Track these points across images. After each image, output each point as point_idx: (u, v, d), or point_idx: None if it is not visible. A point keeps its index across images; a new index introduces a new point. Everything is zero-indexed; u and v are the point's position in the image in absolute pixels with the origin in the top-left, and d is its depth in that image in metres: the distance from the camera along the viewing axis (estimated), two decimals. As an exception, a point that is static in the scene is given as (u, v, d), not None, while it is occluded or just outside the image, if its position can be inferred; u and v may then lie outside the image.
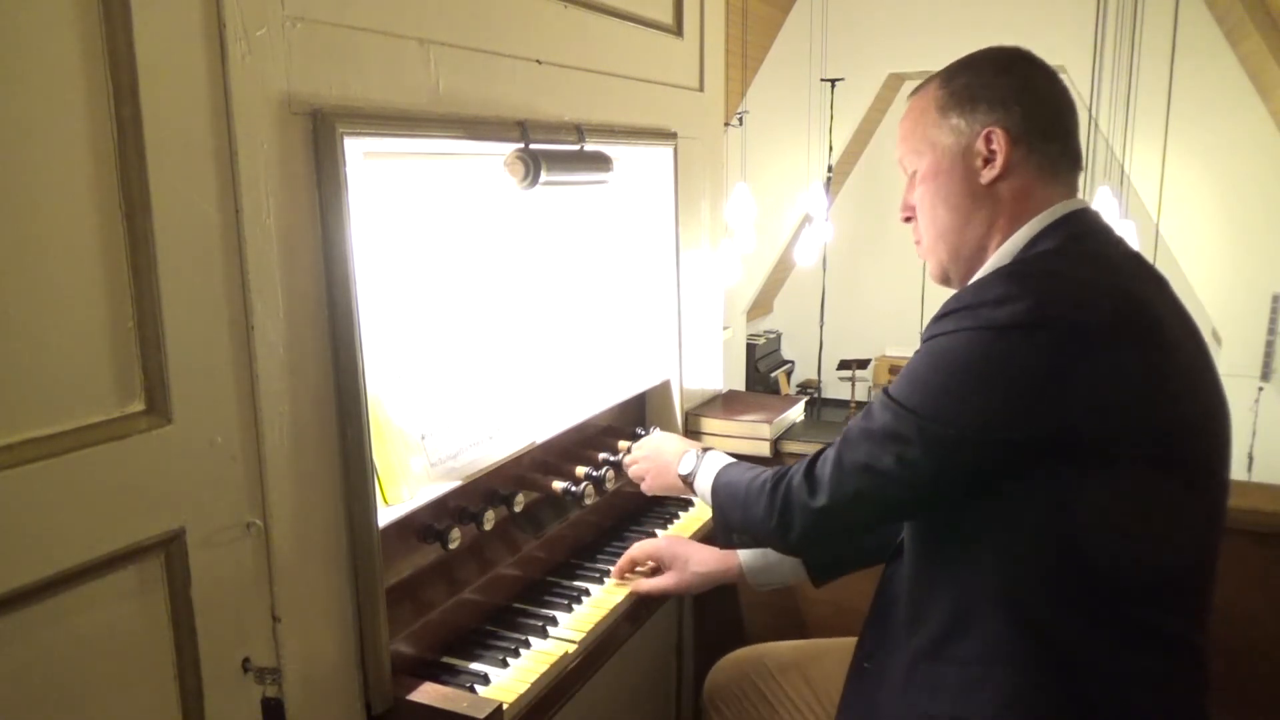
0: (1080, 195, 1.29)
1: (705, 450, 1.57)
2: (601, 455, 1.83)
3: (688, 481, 1.57)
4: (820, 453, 1.26)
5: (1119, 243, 1.24)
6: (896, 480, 1.15)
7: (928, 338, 1.16)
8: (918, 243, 1.34)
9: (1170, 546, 1.14)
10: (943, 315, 1.15)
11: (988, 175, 1.23)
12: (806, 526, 1.26)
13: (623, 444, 1.86)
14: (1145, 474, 1.11)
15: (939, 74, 1.30)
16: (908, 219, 1.34)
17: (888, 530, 1.48)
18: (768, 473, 1.35)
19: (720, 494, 1.45)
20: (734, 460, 1.52)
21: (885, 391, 1.19)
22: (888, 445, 1.15)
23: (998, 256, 1.24)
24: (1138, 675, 1.12)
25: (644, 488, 1.70)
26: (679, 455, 1.60)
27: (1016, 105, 1.22)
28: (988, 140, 1.22)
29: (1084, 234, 1.21)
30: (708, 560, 1.61)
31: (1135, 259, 1.23)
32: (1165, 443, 1.11)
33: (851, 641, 1.45)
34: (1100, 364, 1.07)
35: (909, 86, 7.40)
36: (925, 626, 1.21)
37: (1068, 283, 1.13)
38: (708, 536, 1.84)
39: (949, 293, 1.22)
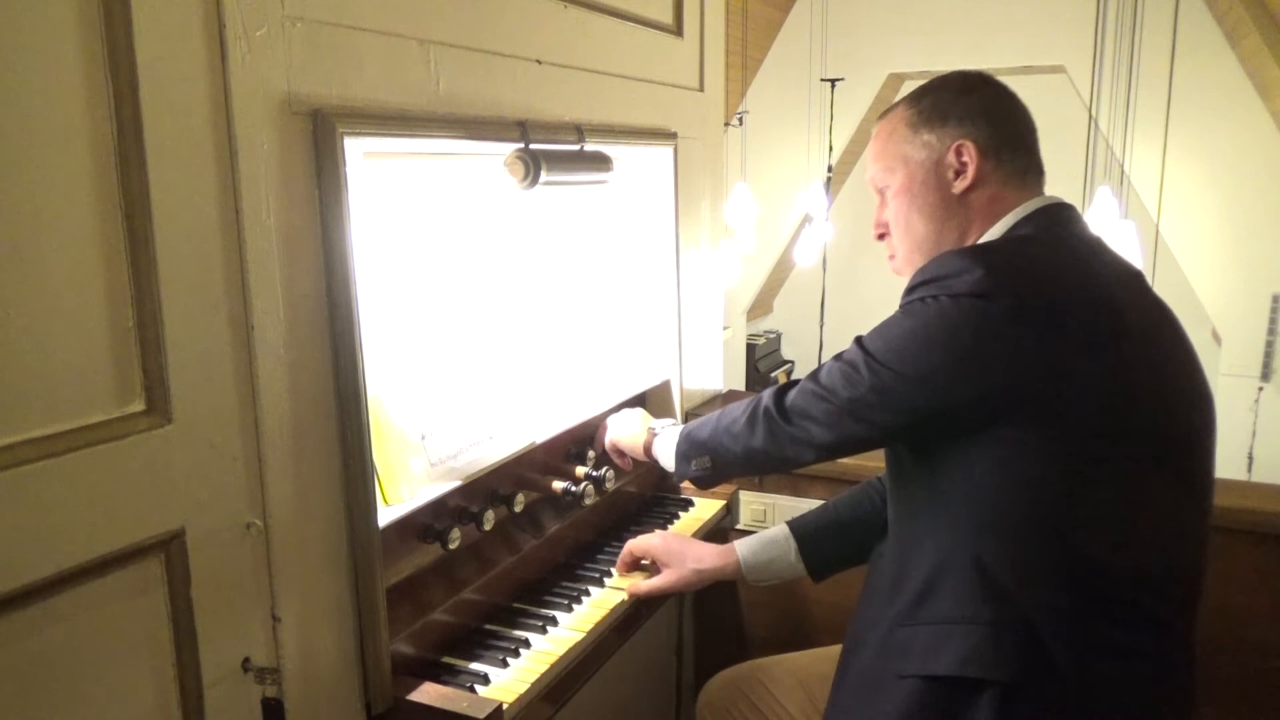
0: (1061, 199, 1.32)
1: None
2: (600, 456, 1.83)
3: (653, 432, 1.65)
4: (797, 379, 1.35)
5: (1093, 238, 1.29)
6: (847, 413, 1.25)
7: (902, 305, 1.24)
8: (891, 257, 1.40)
9: (1136, 526, 1.17)
10: (913, 287, 1.23)
11: (960, 186, 1.30)
12: (768, 435, 1.36)
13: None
14: (1107, 452, 1.14)
15: (905, 98, 1.37)
16: (881, 236, 1.40)
17: (877, 523, 1.52)
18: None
19: (690, 423, 1.54)
20: None
21: (859, 337, 1.27)
22: (845, 379, 1.25)
23: None
24: (1099, 641, 1.15)
25: (605, 435, 1.78)
26: (650, 419, 1.71)
27: (983, 120, 1.29)
28: (959, 153, 1.29)
29: (1057, 223, 1.27)
30: (705, 557, 1.61)
31: (1106, 251, 1.28)
32: (1125, 423, 1.15)
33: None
34: (1050, 337, 1.12)
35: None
36: (902, 593, 1.25)
37: (1026, 259, 1.20)
38: (709, 535, 1.84)
39: None
